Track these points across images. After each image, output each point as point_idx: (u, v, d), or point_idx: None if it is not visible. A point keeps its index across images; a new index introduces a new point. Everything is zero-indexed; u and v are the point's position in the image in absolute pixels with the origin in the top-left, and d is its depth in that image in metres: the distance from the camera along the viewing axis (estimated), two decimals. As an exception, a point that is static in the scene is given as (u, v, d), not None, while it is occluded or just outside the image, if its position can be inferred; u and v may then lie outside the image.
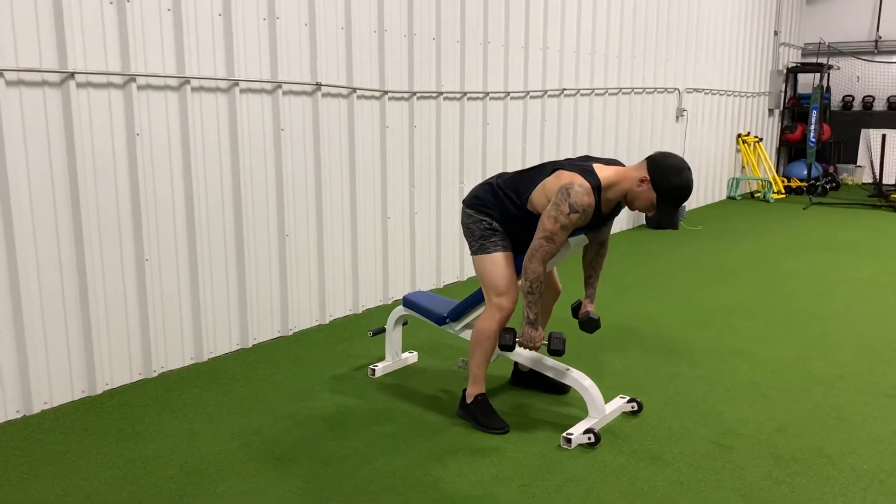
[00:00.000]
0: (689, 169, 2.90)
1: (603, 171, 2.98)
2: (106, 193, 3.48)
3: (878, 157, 10.57)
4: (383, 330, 3.83)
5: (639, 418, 3.32)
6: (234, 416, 3.31)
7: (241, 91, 4.01)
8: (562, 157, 6.72)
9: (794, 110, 12.27)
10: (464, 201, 3.29)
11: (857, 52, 11.99)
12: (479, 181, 5.72)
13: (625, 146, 7.69)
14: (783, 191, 10.88)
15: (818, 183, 10.68)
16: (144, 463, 2.88)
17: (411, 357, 3.98)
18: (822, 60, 12.01)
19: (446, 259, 5.59)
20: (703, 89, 9.20)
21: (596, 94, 7.09)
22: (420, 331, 4.49)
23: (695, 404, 3.48)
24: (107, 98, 3.44)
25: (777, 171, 11.92)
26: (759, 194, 10.60)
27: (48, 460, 2.91)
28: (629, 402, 3.37)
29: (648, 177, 2.89)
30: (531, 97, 6.22)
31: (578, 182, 2.90)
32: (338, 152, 4.63)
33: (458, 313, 3.48)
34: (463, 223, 3.28)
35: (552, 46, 6.36)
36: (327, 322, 4.68)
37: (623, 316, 4.85)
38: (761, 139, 10.81)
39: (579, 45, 6.73)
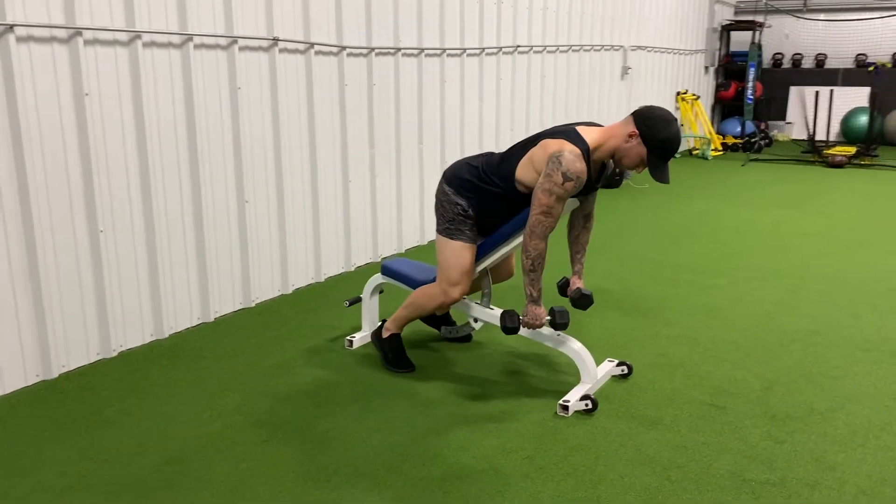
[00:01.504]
0: (675, 121, 2.83)
1: (588, 133, 2.88)
2: (54, 160, 3.17)
3: (812, 114, 10.85)
4: (360, 299, 3.67)
5: (629, 381, 3.27)
6: (210, 396, 3.10)
7: (196, 47, 3.72)
8: (518, 118, 6.60)
9: (727, 68, 12.45)
10: (444, 176, 3.14)
11: (788, 11, 12.21)
12: (438, 142, 5.57)
13: (574, 104, 7.62)
14: (720, 148, 11.07)
15: (754, 140, 10.90)
16: (120, 452, 2.67)
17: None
18: (757, 18, 12.20)
19: (407, 223, 5.42)
20: (646, 47, 9.20)
21: (548, 52, 6.96)
22: (394, 299, 4.34)
23: (680, 364, 3.45)
24: (51, 54, 3.12)
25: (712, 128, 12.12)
26: (697, 152, 10.75)
27: (10, 454, 2.66)
28: (618, 365, 3.32)
29: (637, 131, 2.80)
30: (486, 54, 6.05)
31: (568, 149, 2.78)
32: (296, 113, 4.38)
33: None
34: (437, 197, 3.15)
35: (506, 1, 6.19)
36: (290, 292, 4.47)
37: (590, 277, 4.80)
38: (699, 97, 10.94)
39: (531, 0, 6.56)
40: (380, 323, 3.79)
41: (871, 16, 11.93)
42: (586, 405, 2.96)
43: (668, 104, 10.23)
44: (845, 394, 3.15)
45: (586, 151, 2.82)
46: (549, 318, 3.02)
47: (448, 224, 3.08)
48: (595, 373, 3.12)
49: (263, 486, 2.46)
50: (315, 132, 4.50)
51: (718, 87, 12.32)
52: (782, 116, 12.60)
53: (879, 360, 3.50)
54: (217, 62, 3.85)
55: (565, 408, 2.95)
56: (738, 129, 11.53)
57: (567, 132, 2.85)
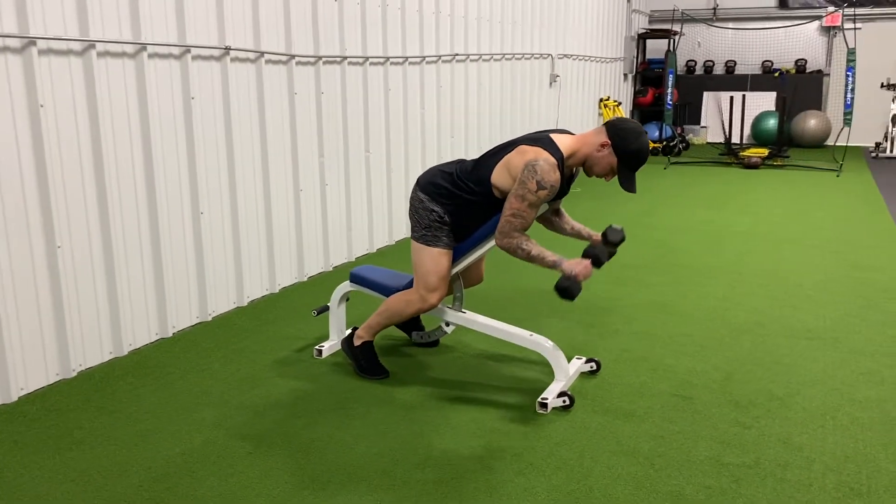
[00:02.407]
0: (645, 133, 2.95)
1: (561, 141, 2.97)
2: (9, 174, 3.05)
3: (728, 117, 11.37)
4: (327, 308, 3.66)
5: (598, 377, 3.38)
6: (185, 412, 3.04)
7: (149, 56, 3.63)
8: (457, 125, 6.69)
9: (644, 75, 12.92)
10: (418, 184, 3.17)
11: (700, 20, 12.76)
12: (384, 150, 5.60)
13: (508, 111, 7.77)
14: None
15: (673, 143, 11.34)
16: (101, 473, 2.58)
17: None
18: (669, 27, 12.70)
19: (357, 231, 5.42)
20: (572, 55, 9.46)
21: (483, 60, 7.09)
22: (358, 306, 4.34)
23: (643, 359, 3.59)
24: (4, 65, 3.00)
25: (632, 134, 12.52)
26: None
27: (-18, 481, 2.54)
28: (587, 362, 3.43)
29: (609, 142, 2.91)
30: (427, 62, 6.11)
31: (544, 157, 2.86)
32: (248, 123, 4.33)
33: (411, 286, 3.36)
34: (412, 205, 3.17)
35: (443, 11, 6.27)
36: (245, 304, 4.41)
37: (541, 279, 4.92)
38: (620, 103, 11.30)
39: (467, 9, 6.67)
40: (349, 331, 3.79)
41: (775, 25, 12.61)
42: (564, 402, 3.05)
43: (592, 110, 10.55)
44: (798, 380, 3.35)
45: (561, 160, 2.91)
46: (590, 256, 2.98)
47: (425, 231, 3.12)
48: (568, 370, 3.22)
49: (259, 499, 2.43)
50: (267, 142, 4.46)
51: (637, 94, 12.76)
52: (697, 121, 13.15)
53: (823, 347, 3.72)
54: (170, 72, 3.77)
55: (544, 405, 3.03)
56: (657, 133, 11.97)
57: (543, 140, 2.93)
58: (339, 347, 3.70)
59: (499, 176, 2.99)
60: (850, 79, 9.47)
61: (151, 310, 3.80)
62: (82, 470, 2.60)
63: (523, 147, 2.93)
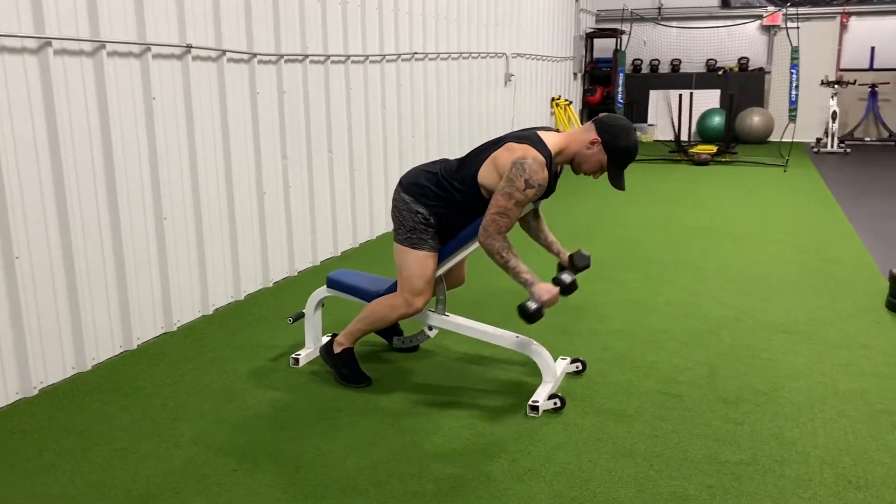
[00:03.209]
0: (635, 130, 2.92)
1: (549, 139, 2.92)
2: (-37, 180, 2.85)
3: (677, 115, 11.54)
4: (303, 315, 3.53)
5: (583, 377, 3.34)
6: (160, 429, 2.88)
7: (109, 55, 3.45)
8: (418, 124, 6.60)
9: (592, 74, 13.03)
10: (401, 184, 3.08)
11: (646, 19, 12.93)
12: (347, 150, 5.48)
13: (466, 109, 7.71)
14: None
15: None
16: (78, 497, 2.42)
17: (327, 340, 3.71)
18: (616, 26, 12.85)
19: (321, 234, 5.28)
20: (525, 54, 9.46)
21: (441, 59, 7.01)
22: (333, 312, 4.21)
23: (625, 357, 3.56)
24: (-45, 63, 2.80)
25: (583, 132, 12.63)
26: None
27: (-55, 513, 2.35)
28: (573, 362, 3.38)
29: (599, 139, 2.87)
30: (387, 61, 6.01)
31: (532, 155, 2.80)
32: (210, 124, 4.16)
33: (393, 290, 3.27)
34: (395, 207, 3.08)
35: (402, 8, 6.17)
36: (211, 312, 4.24)
37: (509, 277, 4.85)
38: (571, 102, 11.37)
39: (425, 7, 6.59)
40: (326, 338, 3.67)
41: (717, 24, 12.86)
42: (555, 404, 3.00)
43: (544, 109, 10.57)
44: (781, 374, 3.36)
45: (549, 158, 2.85)
46: (559, 285, 2.98)
47: (409, 233, 3.03)
48: (556, 371, 3.16)
49: (252, 518, 2.31)
50: (229, 144, 4.30)
51: (586, 93, 12.87)
52: (644, 119, 13.32)
53: (799, 341, 3.76)
54: (131, 71, 3.59)
55: (535, 408, 2.97)
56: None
57: (531, 138, 2.87)
58: (317, 355, 3.58)
59: (486, 174, 2.92)
60: (795, 76, 9.70)
61: (115, 321, 3.61)
62: (56, 495, 2.43)
63: (511, 144, 2.87)
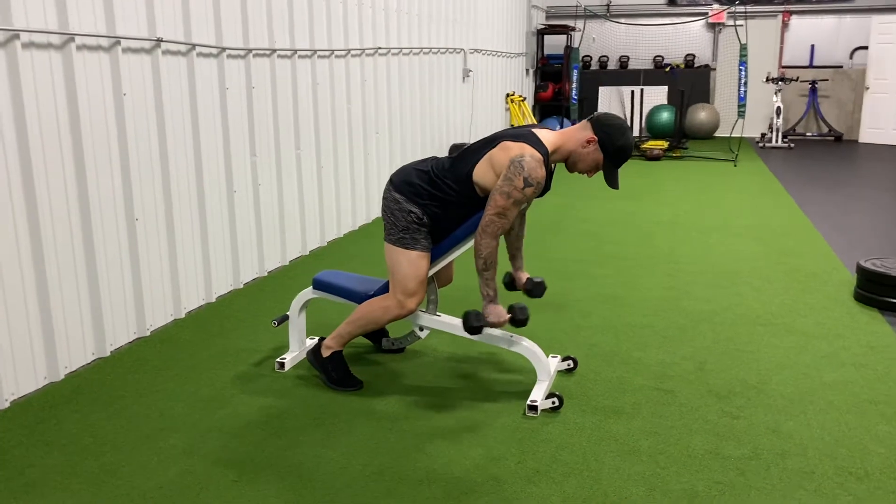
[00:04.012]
0: (630, 129, 2.92)
1: (544, 137, 2.90)
2: (-70, 182, 2.67)
3: (629, 111, 11.68)
4: (287, 317, 3.43)
5: (575, 375, 3.33)
6: (149, 441, 2.76)
7: (78, 48, 3.29)
8: (381, 120, 6.51)
9: (543, 70, 13.10)
10: (392, 183, 3.01)
11: (595, 16, 13.06)
12: (314, 147, 5.37)
13: (427, 105, 7.65)
14: (548, 146, 11.63)
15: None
16: (71, 517, 2.29)
17: (313, 343, 3.61)
18: (566, 23, 12.94)
19: (290, 233, 5.16)
20: (482, 50, 9.45)
21: (403, 54, 6.93)
22: (312, 314, 4.10)
23: (613, 353, 3.57)
24: (-80, 56, 2.62)
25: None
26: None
27: (-73, 538, 2.20)
28: (564, 360, 3.37)
29: (596, 138, 2.85)
30: (352, 56, 5.91)
31: (529, 153, 2.78)
32: (181, 121, 4.01)
33: (384, 291, 3.20)
34: (387, 206, 3.01)
35: (366, 2, 6.08)
36: (184, 316, 4.09)
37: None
38: (525, 98, 11.41)
39: (387, 2, 6.50)
40: (310, 341, 3.58)
41: (664, 21, 13.08)
42: (553, 403, 2.98)
43: (500, 105, 10.58)
44: (766, 367, 3.42)
45: (546, 156, 2.83)
46: (509, 315, 3.00)
47: (402, 233, 2.96)
48: (550, 370, 3.14)
49: (261, 532, 2.22)
50: (200, 141, 4.15)
51: (538, 89, 12.93)
52: (594, 114, 13.44)
53: (778, 333, 3.83)
54: (100, 65, 3.43)
55: (534, 408, 2.95)
56: (558, 127, 12.18)
57: (527, 136, 2.84)
58: (302, 359, 3.48)
59: (481, 173, 2.87)
60: (743, 73, 9.93)
61: (87, 328, 3.45)
62: (47, 515, 2.30)
63: (507, 143, 2.83)
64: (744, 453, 2.67)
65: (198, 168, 4.17)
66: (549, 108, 13.09)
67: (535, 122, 11.36)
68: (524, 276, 3.30)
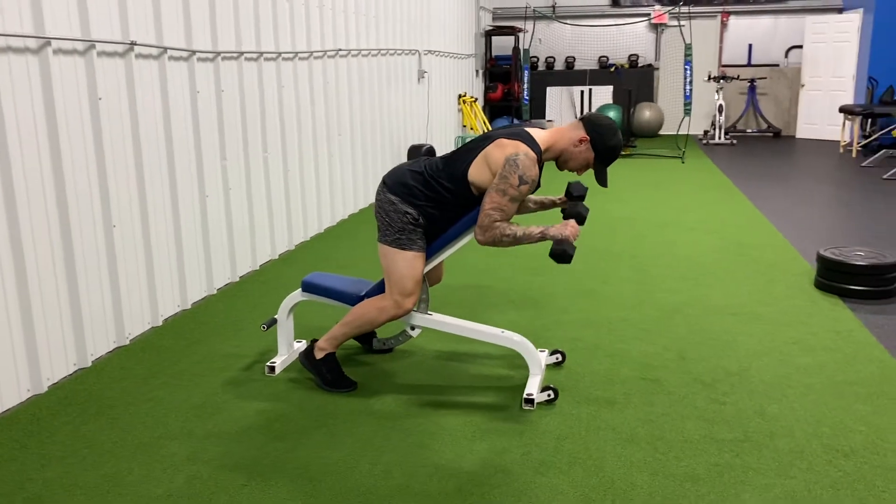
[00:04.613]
0: (619, 129, 3.01)
1: (537, 135, 2.96)
2: (-88, 191, 2.58)
3: (580, 110, 11.87)
4: (275, 321, 3.41)
5: (563, 368, 3.41)
6: (149, 449, 2.72)
7: (54, 52, 3.21)
8: (343, 121, 6.50)
9: (492, 71, 13.23)
10: (385, 185, 3.03)
11: (542, 17, 13.25)
12: (280, 150, 5.34)
13: (386, 106, 7.66)
14: (500, 145, 11.75)
15: (528, 137, 11.71)
16: (81, 529, 2.25)
17: (301, 346, 3.61)
18: (514, 24, 13.09)
19: (259, 237, 5.12)
20: (436, 51, 9.50)
21: (362, 56, 6.94)
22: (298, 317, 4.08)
23: (597, 346, 3.66)
24: None
25: (486, 128, 12.82)
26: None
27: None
28: (552, 354, 3.44)
29: (588, 137, 2.93)
30: (314, 58, 5.89)
31: (524, 151, 2.84)
32: (154, 125, 3.95)
33: (377, 292, 3.22)
34: (381, 207, 3.02)
35: (326, 4, 6.07)
36: (161, 323, 4.03)
37: (467, 274, 4.89)
38: (476, 99, 11.51)
39: (346, 3, 6.50)
40: (298, 343, 3.58)
41: (608, 22, 13.35)
42: (549, 395, 3.04)
43: (453, 106, 10.65)
44: (744, 354, 3.55)
45: (539, 155, 2.89)
46: (574, 216, 2.96)
47: (398, 234, 2.98)
48: (541, 363, 3.21)
49: (280, 534, 2.22)
50: (173, 145, 4.10)
51: (487, 90, 13.05)
52: (542, 115, 13.66)
53: (748, 322, 3.98)
54: (76, 70, 3.36)
55: (530, 401, 3.01)
56: (509, 127, 12.32)
57: (521, 134, 2.89)
58: (291, 362, 3.47)
59: (476, 171, 2.92)
60: (689, 72, 10.22)
61: (68, 338, 3.37)
62: (56, 528, 2.26)
63: (501, 141, 2.88)
64: (736, 436, 2.77)
65: (171, 173, 4.11)
66: (499, 108, 13.23)
67: (487, 123, 11.48)
68: (560, 197, 3.21)
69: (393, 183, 3.02)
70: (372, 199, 7.41)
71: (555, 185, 8.28)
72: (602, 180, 2.98)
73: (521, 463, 2.60)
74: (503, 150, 2.85)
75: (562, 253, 2.85)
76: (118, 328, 3.70)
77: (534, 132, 2.95)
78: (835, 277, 4.40)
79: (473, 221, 3.00)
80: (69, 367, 3.38)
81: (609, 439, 2.76)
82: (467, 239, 3.09)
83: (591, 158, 2.95)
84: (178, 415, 2.98)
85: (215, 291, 4.57)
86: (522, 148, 2.84)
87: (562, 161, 3.00)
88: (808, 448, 2.69)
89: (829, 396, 3.09)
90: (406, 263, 3.00)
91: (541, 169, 3.06)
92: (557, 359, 3.44)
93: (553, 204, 3.24)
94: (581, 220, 2.97)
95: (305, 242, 5.81)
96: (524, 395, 3.02)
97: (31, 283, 3.11)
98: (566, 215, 3.00)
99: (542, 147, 2.93)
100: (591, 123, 2.92)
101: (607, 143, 2.91)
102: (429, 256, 3.12)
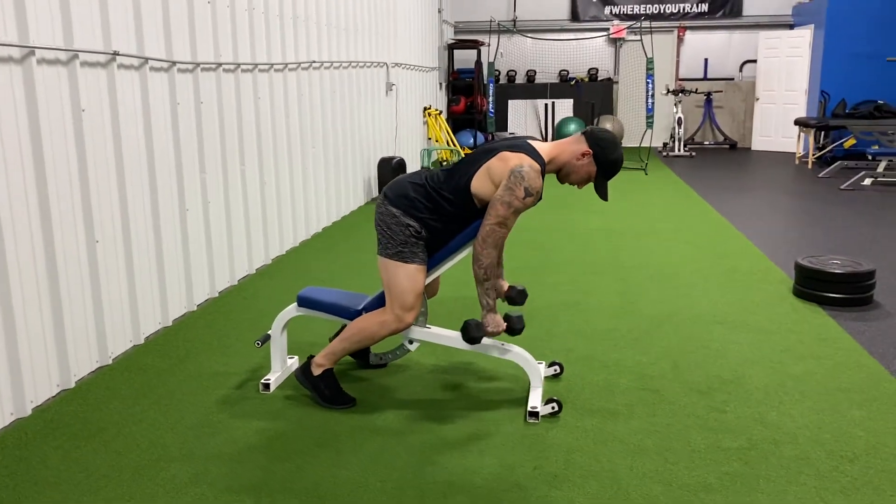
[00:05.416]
0: (621, 143, 3.03)
1: (540, 147, 2.96)
2: None
3: (544, 123, 11.98)
4: (269, 337, 3.33)
5: (562, 380, 3.40)
6: (148, 472, 2.62)
7: (38, 62, 3.10)
8: (316, 133, 6.43)
9: (455, 84, 13.26)
10: (386, 197, 2.99)
11: (503, 31, 13.35)
12: (257, 163, 5.26)
13: (358, 118, 7.61)
14: (465, 158, 11.79)
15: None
16: (88, 558, 2.15)
17: (294, 362, 3.53)
18: (477, 38, 13.16)
19: (237, 252, 5.01)
20: (402, 64, 9.48)
21: (334, 68, 6.88)
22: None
23: (590, 357, 3.66)
24: None
25: (449, 141, 12.83)
26: (447, 163, 11.31)
27: None
28: (550, 366, 3.43)
29: (591, 151, 2.93)
30: (289, 69, 5.82)
31: (528, 163, 2.84)
32: (135, 137, 3.85)
33: (376, 306, 3.17)
34: (383, 220, 2.98)
35: (300, 16, 6.01)
36: (143, 341, 3.91)
37: (445, 286, 4.86)
38: (441, 111, 11.52)
39: (318, 15, 6.44)
40: (291, 360, 3.50)
41: (568, 37, 13.52)
42: (553, 408, 3.02)
43: (419, 119, 10.64)
44: (736, 362, 3.59)
45: (543, 167, 2.88)
46: (510, 325, 3.04)
47: (400, 247, 2.94)
48: (542, 376, 3.20)
49: (299, 557, 2.15)
50: (154, 158, 3.99)
51: (450, 102, 13.08)
52: (505, 128, 13.74)
53: (735, 330, 4.03)
54: (59, 80, 3.25)
55: (535, 414, 2.99)
56: (471, 140, 12.36)
57: (524, 146, 2.89)
58: (286, 379, 3.39)
59: (480, 184, 2.90)
60: (651, 85, 10.39)
61: (52, 358, 3.24)
62: (60, 559, 2.15)
63: (505, 154, 2.87)
64: (741, 444, 2.79)
65: (152, 187, 4.00)
66: (462, 121, 13.26)
67: (452, 135, 11.49)
68: (505, 284, 3.34)
69: (394, 196, 2.98)
70: (344, 211, 7.34)
71: (555, 194, 8.30)
72: (603, 194, 2.99)
73: (533, 477, 2.58)
74: (507, 162, 2.84)
75: (473, 338, 2.98)
76: (101, 347, 3.57)
77: (537, 145, 2.94)
78: (813, 285, 4.49)
79: (475, 234, 2.98)
80: (52, 389, 3.25)
81: (618, 451, 2.75)
82: (468, 251, 3.06)
83: (593, 172, 2.96)
84: (174, 436, 2.88)
85: (195, 308, 4.45)
86: (527, 160, 2.83)
87: (563, 174, 3.00)
88: (812, 455, 2.72)
89: (825, 403, 3.14)
90: (408, 277, 2.96)
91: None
92: (555, 370, 3.43)
93: (497, 277, 3.17)
94: (511, 333, 3.09)
95: (282, 256, 5.71)
96: (528, 409, 3.00)
97: (14, 302, 2.98)
98: (506, 318, 3.09)
99: (545, 159, 2.93)
100: (594, 137, 2.93)
101: (609, 156, 2.93)
102: (429, 269, 3.08)
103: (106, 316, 3.58)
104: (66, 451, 2.77)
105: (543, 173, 2.90)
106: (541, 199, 3.09)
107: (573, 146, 2.94)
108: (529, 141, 2.96)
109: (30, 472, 2.62)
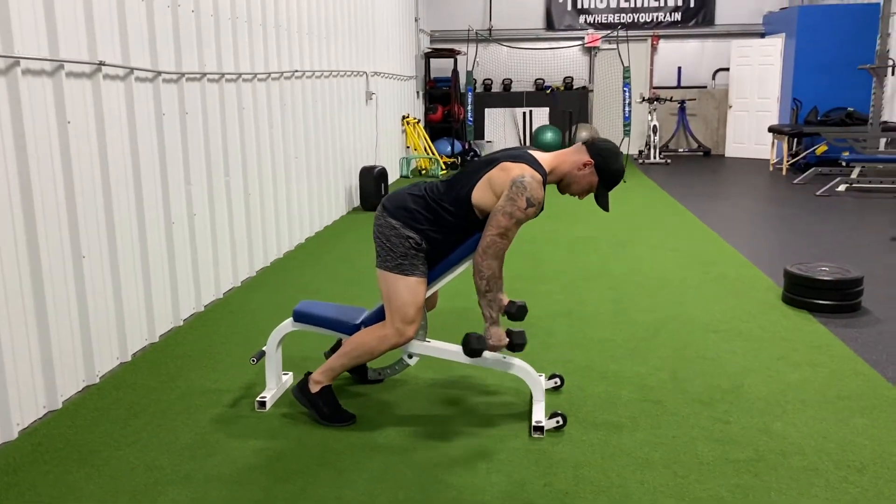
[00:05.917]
0: (622, 153, 3.00)
1: (541, 158, 2.93)
2: None
3: (523, 130, 11.99)
4: (264, 353, 3.25)
5: (563, 393, 3.36)
6: (146, 495, 2.53)
7: (23, 73, 3.00)
8: (299, 143, 6.35)
9: (431, 93, 13.24)
10: (386, 209, 2.94)
11: (479, 40, 13.36)
12: (241, 174, 5.18)
13: (338, 127, 7.53)
14: (444, 167, 11.74)
15: (469, 157, 11.74)
16: (89, 591, 2.06)
17: (288, 378, 3.45)
18: (453, 47, 13.16)
19: (222, 264, 4.91)
20: (381, 73, 9.43)
21: (315, 77, 6.81)
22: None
23: (589, 368, 3.63)
24: None
25: (427, 149, 12.80)
26: (425, 171, 11.27)
27: None
28: (550, 378, 3.39)
29: (592, 161, 2.90)
30: (272, 79, 5.74)
31: (530, 174, 2.80)
32: (121, 149, 3.75)
33: (375, 319, 3.11)
34: (382, 232, 2.93)
35: (282, 24, 5.93)
36: (130, 359, 3.80)
37: (455, 299, 4.79)
38: (419, 120, 11.48)
39: (300, 24, 6.37)
40: (287, 376, 3.43)
41: (544, 46, 13.57)
42: (558, 422, 2.98)
43: (398, 128, 10.59)
44: (734, 371, 3.58)
45: (545, 177, 2.85)
46: (511, 341, 2.99)
47: (400, 260, 2.89)
48: (543, 389, 3.15)
49: (311, 584, 2.08)
50: (140, 170, 3.89)
51: (427, 111, 13.05)
52: (482, 136, 13.74)
53: (730, 339, 4.03)
54: (44, 91, 3.15)
55: (540, 429, 2.94)
56: (449, 148, 12.34)
57: (524, 157, 2.85)
58: (281, 396, 3.31)
59: (481, 194, 2.86)
60: (628, 94, 10.45)
61: (38, 378, 3.13)
62: (59, 592, 2.05)
63: (506, 164, 2.83)
64: (749, 456, 2.78)
65: (138, 199, 3.90)
66: (439, 129, 13.22)
67: (430, 144, 11.46)
68: (505, 299, 3.28)
69: (394, 207, 2.92)
70: (327, 221, 7.26)
71: (555, 203, 8.28)
72: (604, 204, 2.96)
73: (544, 494, 2.53)
74: (508, 172, 2.80)
75: (470, 346, 2.91)
76: (87, 366, 3.46)
77: (538, 155, 2.91)
78: (802, 293, 4.51)
79: (475, 246, 2.93)
80: (39, 411, 3.14)
81: (626, 465, 2.72)
82: (468, 264, 3.02)
83: (594, 182, 2.93)
84: (169, 457, 2.79)
85: (181, 323, 4.35)
86: (528, 170, 2.80)
87: (564, 185, 2.97)
88: (821, 465, 2.70)
89: (826, 411, 3.14)
90: (408, 290, 2.90)
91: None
92: (556, 383, 3.39)
93: (497, 290, 3.14)
94: (511, 349, 3.02)
95: (266, 268, 5.62)
96: (533, 423, 2.96)
97: (1, 323, 2.87)
98: (508, 332, 3.01)
99: (547, 170, 2.89)
100: (595, 148, 2.90)
101: (611, 167, 2.90)
102: (429, 282, 3.03)
103: (93, 333, 3.47)
104: (58, 476, 2.66)
105: (545, 184, 2.87)
106: (542, 209, 3.05)
107: (574, 156, 2.91)
108: (532, 152, 2.92)
109: (20, 499, 2.51)
